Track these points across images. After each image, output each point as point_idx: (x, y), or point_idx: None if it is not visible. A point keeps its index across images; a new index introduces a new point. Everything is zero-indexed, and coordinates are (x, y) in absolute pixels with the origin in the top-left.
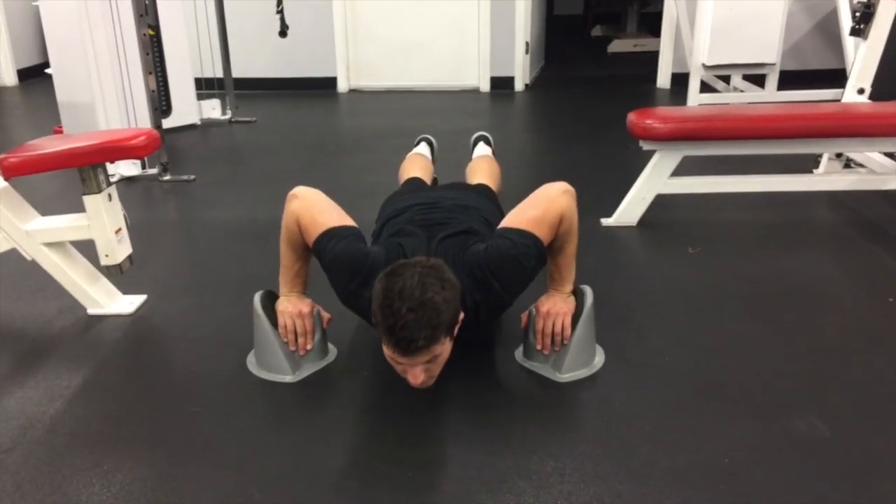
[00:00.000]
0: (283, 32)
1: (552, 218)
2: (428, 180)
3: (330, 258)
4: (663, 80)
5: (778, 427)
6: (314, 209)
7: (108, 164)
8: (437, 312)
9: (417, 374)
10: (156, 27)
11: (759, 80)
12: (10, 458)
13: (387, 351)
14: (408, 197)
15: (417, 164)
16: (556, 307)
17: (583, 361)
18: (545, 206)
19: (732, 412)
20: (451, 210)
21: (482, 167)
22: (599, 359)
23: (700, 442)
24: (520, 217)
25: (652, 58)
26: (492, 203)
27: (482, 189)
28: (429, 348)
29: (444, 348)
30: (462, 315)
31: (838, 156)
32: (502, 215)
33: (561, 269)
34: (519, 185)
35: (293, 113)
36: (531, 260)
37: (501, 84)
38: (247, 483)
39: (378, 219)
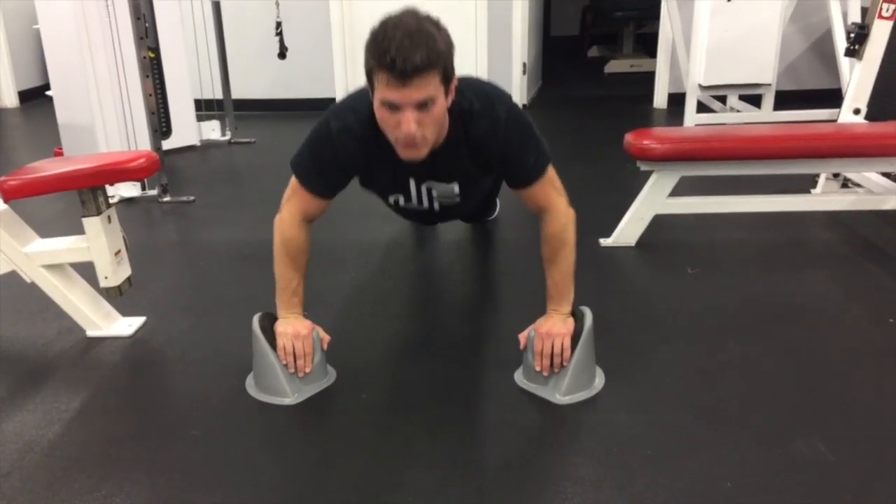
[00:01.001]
0: (282, 54)
1: (552, 193)
2: None
3: (302, 148)
4: (660, 100)
5: (780, 450)
6: (286, 194)
7: (107, 186)
8: (434, 40)
9: (410, 120)
10: (156, 49)
11: (755, 101)
12: (8, 482)
13: (380, 92)
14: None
15: None
16: (555, 328)
17: (583, 383)
18: (559, 188)
19: (734, 435)
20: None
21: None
22: (599, 381)
23: (702, 465)
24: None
25: (648, 78)
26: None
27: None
28: (425, 74)
29: (439, 95)
30: (456, 80)
31: (836, 176)
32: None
33: (559, 287)
34: (516, 204)
35: (292, 134)
36: (538, 151)
37: None
38: None
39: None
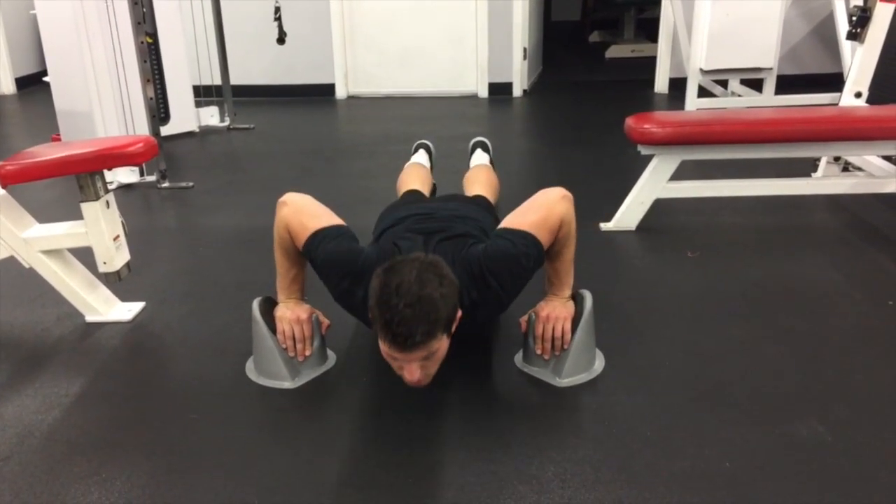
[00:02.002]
0: (281, 39)
1: (552, 223)
2: (426, 190)
3: (322, 258)
4: (661, 85)
5: (779, 432)
6: (303, 214)
7: (106, 172)
8: (435, 308)
9: (414, 371)
10: (154, 35)
11: (756, 85)
12: (8, 466)
13: (383, 347)
14: (405, 208)
15: (415, 175)
16: (555, 311)
17: (583, 366)
18: (545, 211)
19: (733, 417)
20: (448, 220)
21: (480, 178)
22: (599, 363)
23: (701, 447)
24: (520, 220)
25: (650, 63)
26: (489, 215)
27: (480, 201)
28: (426, 344)
29: (442, 345)
30: (460, 313)
31: (836, 159)
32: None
33: (560, 274)
34: (517, 190)
35: (291, 120)
36: (530, 260)
37: (500, 90)
38: (246, 490)
39: (375, 230)
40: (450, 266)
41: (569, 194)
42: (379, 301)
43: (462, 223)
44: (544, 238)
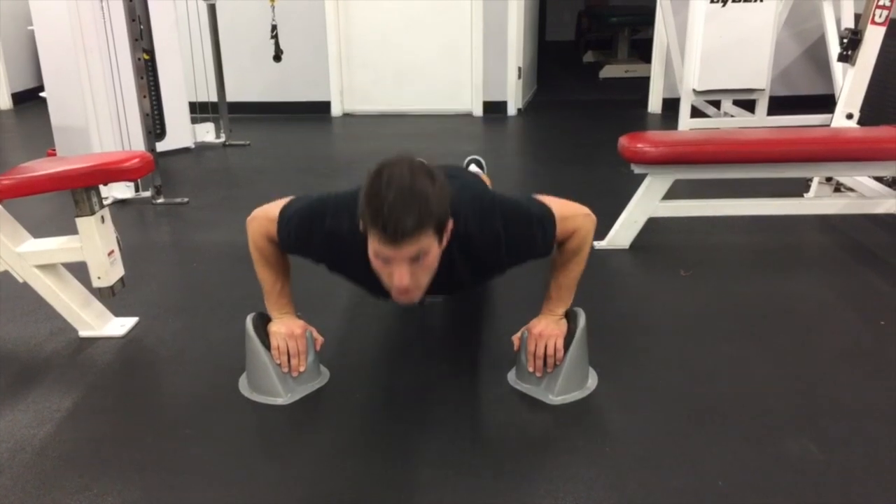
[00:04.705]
0: (277, 57)
1: (569, 224)
2: None
3: (297, 221)
4: (654, 105)
5: (771, 450)
6: (267, 210)
7: (101, 187)
8: (426, 200)
9: (403, 275)
10: (150, 51)
11: (749, 106)
12: (0, 481)
13: (373, 247)
14: None
15: None
16: (548, 329)
17: (575, 384)
18: (569, 211)
19: (725, 435)
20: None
21: None
22: (592, 381)
23: (693, 465)
24: (549, 200)
25: (643, 83)
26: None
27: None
28: (416, 236)
29: (432, 247)
30: (451, 223)
31: (828, 180)
32: None
33: (560, 290)
34: None
35: (287, 137)
36: (541, 227)
37: (494, 108)
38: None
39: None
40: (456, 191)
41: (594, 217)
42: (369, 193)
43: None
44: (558, 228)
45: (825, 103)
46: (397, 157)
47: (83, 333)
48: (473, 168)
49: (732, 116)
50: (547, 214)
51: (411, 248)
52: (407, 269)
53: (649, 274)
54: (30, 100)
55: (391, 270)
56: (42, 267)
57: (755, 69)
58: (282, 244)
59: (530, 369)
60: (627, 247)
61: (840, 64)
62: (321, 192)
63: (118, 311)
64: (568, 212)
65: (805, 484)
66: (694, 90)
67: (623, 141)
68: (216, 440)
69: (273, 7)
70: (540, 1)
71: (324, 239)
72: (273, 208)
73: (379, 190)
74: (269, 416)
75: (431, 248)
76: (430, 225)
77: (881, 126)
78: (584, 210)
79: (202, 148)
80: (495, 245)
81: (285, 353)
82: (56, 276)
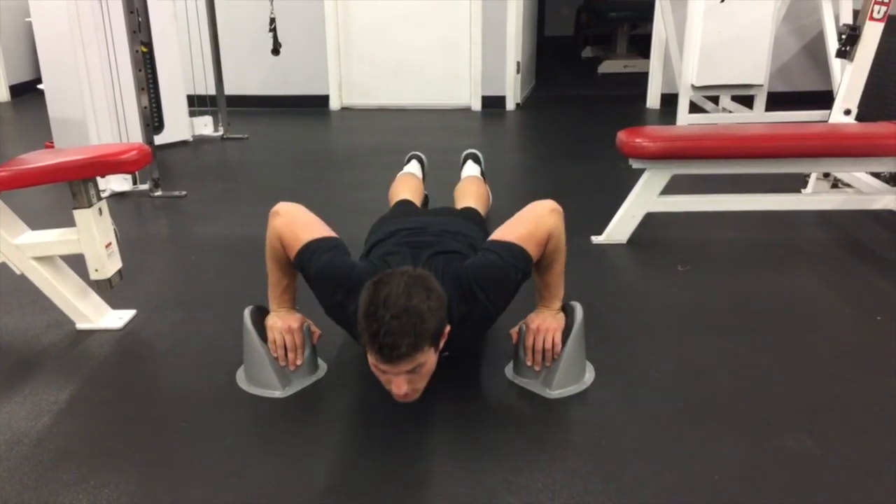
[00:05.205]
0: (275, 50)
1: (540, 236)
2: (418, 201)
3: (315, 270)
4: (653, 100)
5: (767, 444)
6: (296, 224)
7: (99, 180)
8: (422, 320)
9: (401, 385)
10: (148, 44)
11: (747, 102)
12: None
13: (371, 359)
14: (396, 221)
15: (407, 185)
16: (545, 323)
17: (573, 378)
18: (534, 224)
19: (722, 429)
20: (439, 235)
21: (470, 190)
22: (589, 375)
23: (690, 459)
24: (508, 232)
25: (642, 78)
26: (480, 229)
27: (470, 214)
28: (412, 356)
29: (429, 359)
30: (448, 327)
31: (826, 175)
32: None
33: (550, 287)
34: (509, 203)
35: (285, 130)
36: (518, 273)
37: (493, 103)
38: (234, 499)
39: (366, 241)
40: (439, 280)
41: (558, 207)
42: (366, 313)
43: (452, 239)
44: (532, 250)
45: (823, 99)
46: (395, 272)
47: (80, 326)
48: (471, 164)
49: (730, 112)
50: (518, 255)
51: (407, 365)
52: (404, 380)
53: (647, 269)
54: (27, 92)
55: (389, 379)
56: (39, 259)
57: (753, 65)
58: (295, 267)
59: (528, 363)
60: (625, 241)
61: (838, 60)
62: (346, 257)
63: (116, 304)
64: (533, 226)
65: (801, 478)
66: (692, 86)
67: (621, 136)
68: (213, 432)
69: (272, 0)
70: None
71: (331, 307)
72: (302, 231)
73: (376, 310)
74: (266, 408)
75: (428, 359)
76: (425, 343)
77: (879, 122)
78: (547, 206)
79: (200, 141)
80: (485, 311)
81: (282, 347)
82: (53, 269)
